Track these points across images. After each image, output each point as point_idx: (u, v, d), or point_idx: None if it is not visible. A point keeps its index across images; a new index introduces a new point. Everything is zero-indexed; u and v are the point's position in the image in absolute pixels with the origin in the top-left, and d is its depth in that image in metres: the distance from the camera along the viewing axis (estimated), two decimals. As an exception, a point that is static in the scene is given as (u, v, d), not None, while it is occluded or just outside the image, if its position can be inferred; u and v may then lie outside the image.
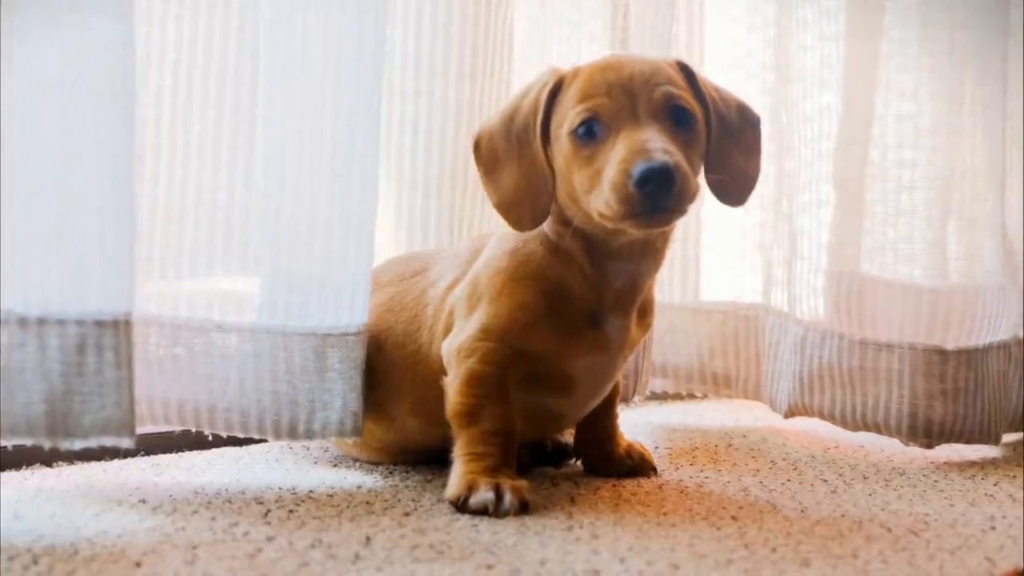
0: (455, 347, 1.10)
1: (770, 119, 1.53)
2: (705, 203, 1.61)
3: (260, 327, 1.14)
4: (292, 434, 1.15)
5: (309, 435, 1.15)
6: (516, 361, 1.09)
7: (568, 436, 1.30)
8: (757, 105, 1.54)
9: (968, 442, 1.40)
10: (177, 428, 1.16)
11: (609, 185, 1.00)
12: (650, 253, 1.11)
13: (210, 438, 1.21)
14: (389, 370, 1.17)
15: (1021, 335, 1.49)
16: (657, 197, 0.98)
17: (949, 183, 1.45)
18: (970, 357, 1.40)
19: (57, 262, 0.97)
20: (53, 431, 0.97)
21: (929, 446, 1.40)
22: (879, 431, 1.41)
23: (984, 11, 1.43)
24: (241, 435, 1.16)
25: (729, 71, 1.59)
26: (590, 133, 1.03)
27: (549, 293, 1.09)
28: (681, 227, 1.58)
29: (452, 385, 1.10)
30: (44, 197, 0.97)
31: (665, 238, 1.12)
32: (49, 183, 0.97)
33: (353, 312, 1.15)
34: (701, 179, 1.08)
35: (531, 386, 1.12)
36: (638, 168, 0.97)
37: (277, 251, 1.14)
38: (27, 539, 0.92)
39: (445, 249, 1.28)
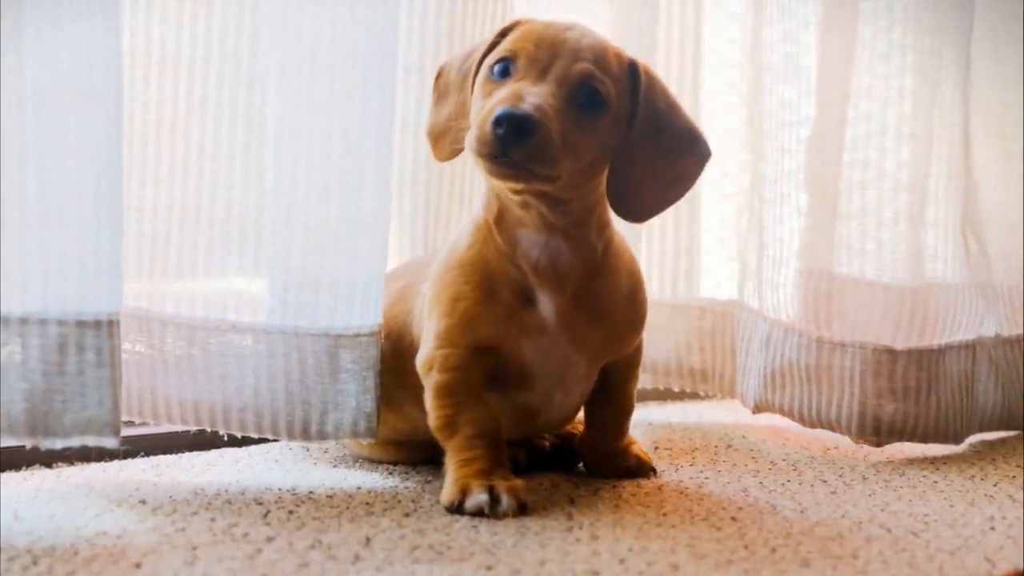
0: (421, 361, 1.11)
1: (746, 121, 1.53)
2: (702, 202, 1.62)
3: (274, 327, 1.14)
4: (305, 435, 1.15)
5: (322, 436, 1.15)
6: (476, 360, 1.09)
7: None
8: (744, 104, 1.56)
9: (922, 441, 1.40)
10: (193, 428, 1.16)
11: (477, 120, 1.02)
12: (558, 230, 1.09)
13: (223, 436, 1.21)
14: (393, 358, 1.17)
15: (1009, 334, 1.49)
16: (506, 143, 0.98)
17: (923, 184, 1.44)
18: (921, 357, 1.40)
19: (39, 262, 0.97)
20: (33, 430, 0.97)
21: (879, 444, 1.40)
22: (832, 429, 1.41)
23: (953, 14, 1.43)
24: (256, 435, 1.16)
25: (724, 69, 1.59)
26: (504, 72, 1.05)
27: (478, 277, 1.10)
28: (662, 224, 1.59)
29: (427, 400, 1.11)
30: (26, 198, 0.96)
31: (571, 218, 1.09)
32: (31, 184, 0.96)
33: (366, 312, 1.15)
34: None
35: (495, 382, 1.12)
36: (500, 109, 0.99)
37: (289, 250, 1.14)
38: (27, 539, 0.92)
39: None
